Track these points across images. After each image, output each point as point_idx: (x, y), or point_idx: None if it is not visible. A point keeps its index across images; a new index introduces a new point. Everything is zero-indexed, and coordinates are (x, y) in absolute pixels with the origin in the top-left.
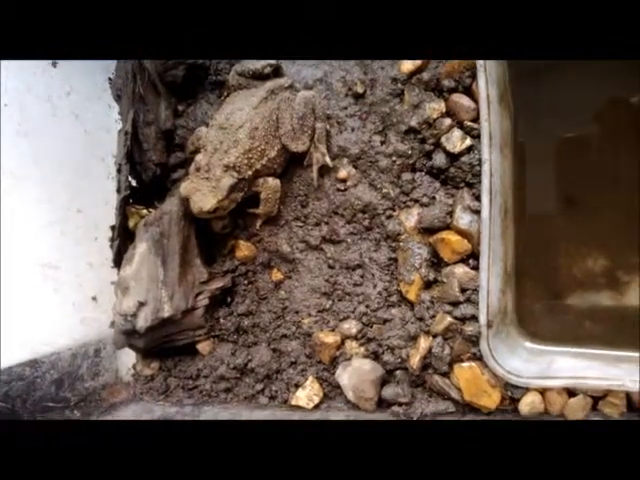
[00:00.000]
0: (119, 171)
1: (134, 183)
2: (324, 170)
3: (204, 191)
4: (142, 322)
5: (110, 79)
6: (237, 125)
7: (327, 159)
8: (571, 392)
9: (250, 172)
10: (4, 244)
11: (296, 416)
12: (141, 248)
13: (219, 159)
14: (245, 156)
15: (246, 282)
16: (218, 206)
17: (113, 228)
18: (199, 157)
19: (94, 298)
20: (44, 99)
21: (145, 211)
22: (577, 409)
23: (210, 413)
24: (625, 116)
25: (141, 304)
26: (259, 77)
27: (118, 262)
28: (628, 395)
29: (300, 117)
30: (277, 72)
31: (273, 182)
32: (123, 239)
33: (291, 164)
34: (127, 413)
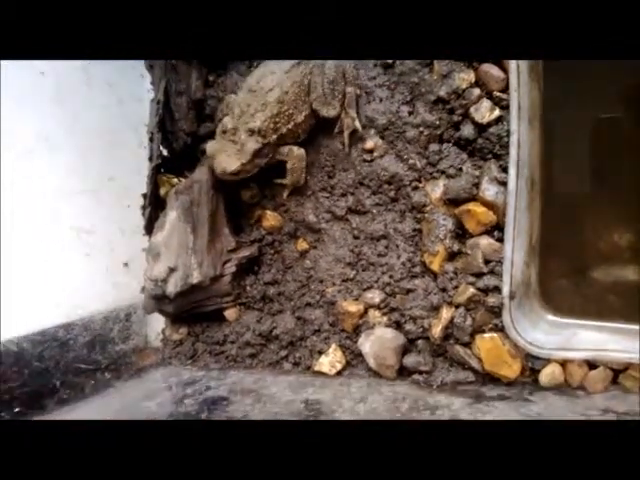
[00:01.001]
0: (151, 140)
1: (165, 152)
2: (353, 137)
3: (229, 152)
4: (172, 287)
5: None
6: (267, 88)
7: (357, 124)
8: (591, 365)
9: (275, 136)
10: (39, 208)
11: (318, 382)
12: (172, 215)
13: (245, 122)
14: (272, 120)
15: (272, 251)
16: (241, 169)
17: (145, 196)
18: (226, 119)
19: (126, 264)
20: (79, 67)
21: (176, 180)
22: (597, 381)
23: (235, 377)
24: None
25: (171, 270)
26: None
27: (149, 229)
28: None
29: (331, 81)
30: None
31: (298, 151)
32: (154, 207)
33: (318, 134)
34: (156, 376)
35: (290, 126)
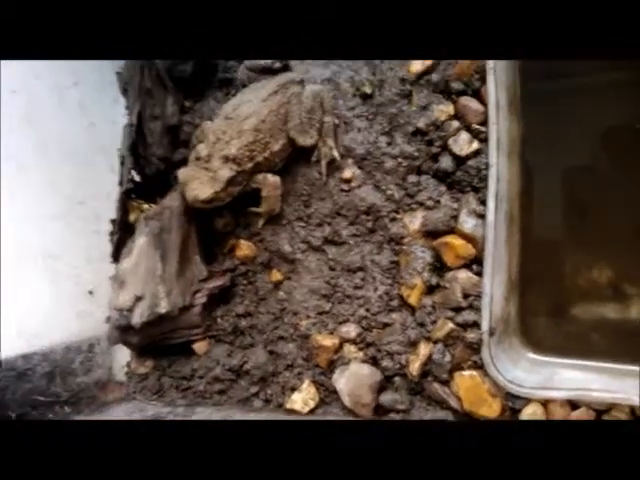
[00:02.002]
0: (122, 163)
1: (137, 178)
2: (331, 167)
3: (202, 180)
4: (138, 317)
5: (118, 72)
6: (244, 116)
7: (335, 152)
8: (574, 405)
9: (250, 164)
10: (4, 230)
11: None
12: (140, 241)
13: (220, 149)
14: (247, 148)
15: (245, 282)
16: (214, 197)
17: (113, 222)
18: (201, 147)
19: (91, 292)
20: (52, 88)
21: (146, 206)
22: None
23: (203, 414)
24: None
25: (138, 298)
26: (268, 72)
27: (117, 256)
28: (632, 409)
29: (308, 110)
30: (287, 68)
31: (273, 179)
32: (123, 233)
33: (295, 163)
34: (119, 412)
35: (266, 154)
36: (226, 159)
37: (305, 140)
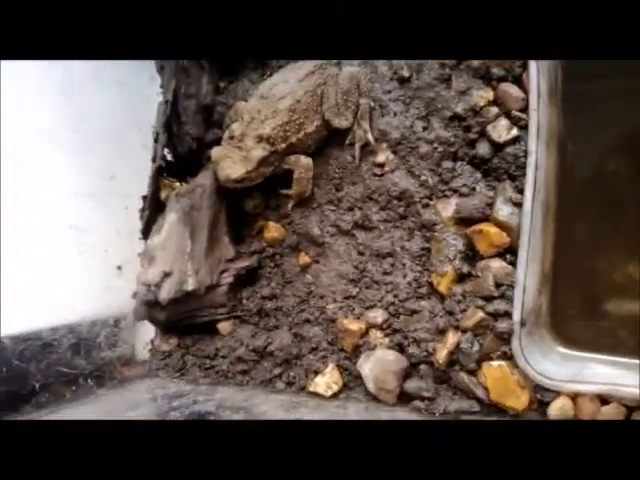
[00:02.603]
0: (156, 140)
1: (169, 156)
2: (364, 151)
3: (234, 159)
4: (165, 294)
5: None
6: (279, 95)
7: (369, 136)
8: (604, 400)
9: (284, 145)
10: (35, 203)
11: (313, 403)
12: (171, 218)
13: (254, 129)
14: (281, 128)
15: (272, 264)
16: (246, 177)
17: (144, 198)
18: (235, 125)
19: (119, 267)
20: (89, 63)
21: (178, 184)
22: (609, 417)
23: (225, 393)
24: None
25: (166, 274)
26: None
27: (146, 233)
28: None
29: (344, 92)
30: None
31: (305, 160)
32: (153, 210)
33: (328, 145)
34: (141, 387)
35: (300, 135)
36: (260, 139)
37: (340, 122)
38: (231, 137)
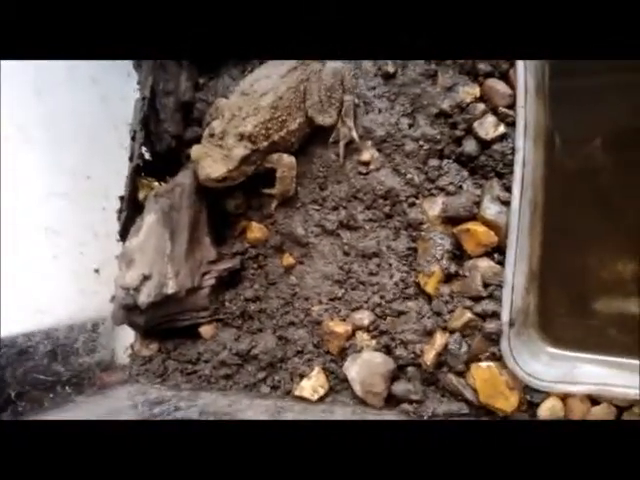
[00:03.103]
0: (133, 138)
1: (147, 155)
2: (349, 148)
3: (215, 158)
4: (144, 297)
5: None
6: (261, 92)
7: (354, 134)
8: (594, 400)
9: (266, 143)
10: (8, 204)
11: (299, 407)
12: (149, 219)
13: (235, 126)
14: (263, 126)
15: (255, 266)
16: (227, 176)
17: (122, 199)
18: (215, 123)
19: (96, 270)
20: (62, 61)
21: (156, 183)
22: (600, 418)
23: (208, 399)
24: None
25: (145, 277)
26: None
27: (124, 235)
28: None
29: (328, 88)
30: None
31: (288, 159)
32: (131, 211)
33: (311, 143)
34: (121, 393)
35: (282, 133)
36: (241, 137)
37: (324, 119)
38: (211, 135)
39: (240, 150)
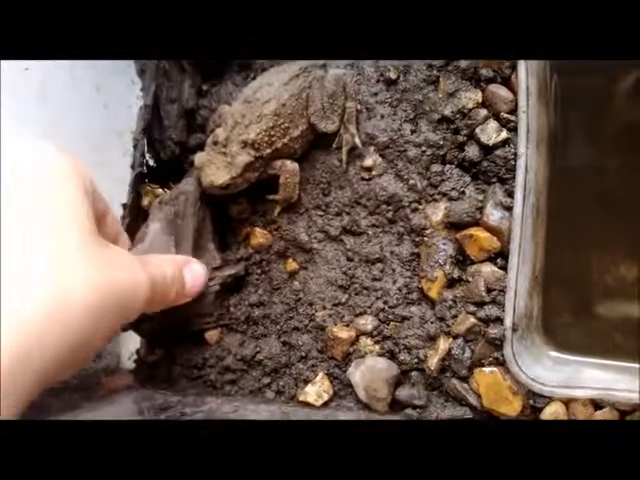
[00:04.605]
0: (135, 146)
1: (151, 162)
2: (352, 154)
3: (218, 165)
4: None
5: None
6: (264, 99)
7: (357, 140)
8: (597, 405)
9: (269, 150)
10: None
11: (303, 413)
12: (153, 227)
13: (238, 134)
14: (267, 133)
15: (259, 271)
16: (231, 183)
17: (125, 206)
18: (218, 130)
19: None
20: (66, 67)
21: (160, 190)
22: None
23: (213, 404)
24: None
25: None
26: None
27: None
28: None
29: (330, 95)
30: None
31: (291, 165)
32: (135, 218)
33: (314, 149)
34: (128, 399)
35: (285, 140)
36: (244, 144)
37: (326, 126)
38: (215, 143)
39: (244, 157)
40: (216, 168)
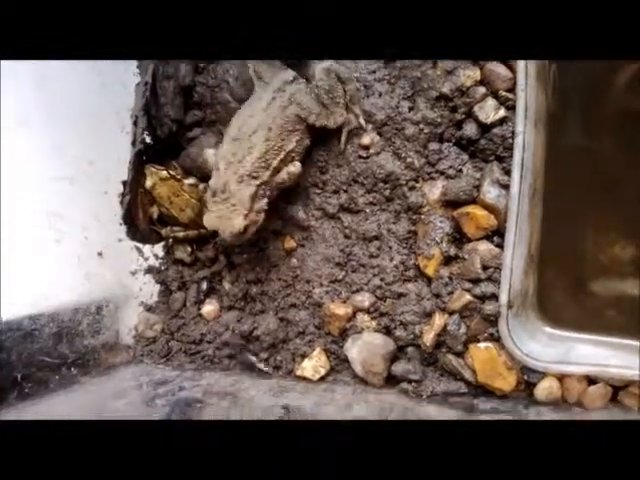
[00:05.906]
0: (135, 123)
1: (149, 140)
2: (351, 134)
3: (226, 214)
4: None
5: None
6: (250, 131)
7: (361, 120)
8: (590, 380)
9: (268, 172)
10: (12, 189)
11: (300, 387)
12: None
13: (234, 172)
14: (262, 159)
15: (256, 249)
16: (247, 223)
17: (125, 183)
18: (212, 180)
19: (100, 253)
20: None
21: (165, 172)
22: (596, 398)
23: (211, 379)
24: None
25: None
26: None
27: (127, 218)
28: None
29: (328, 90)
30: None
31: (295, 169)
32: (134, 195)
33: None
34: (126, 374)
35: (282, 156)
36: (242, 178)
37: (336, 120)
38: (213, 194)
39: (246, 190)
40: (226, 219)
